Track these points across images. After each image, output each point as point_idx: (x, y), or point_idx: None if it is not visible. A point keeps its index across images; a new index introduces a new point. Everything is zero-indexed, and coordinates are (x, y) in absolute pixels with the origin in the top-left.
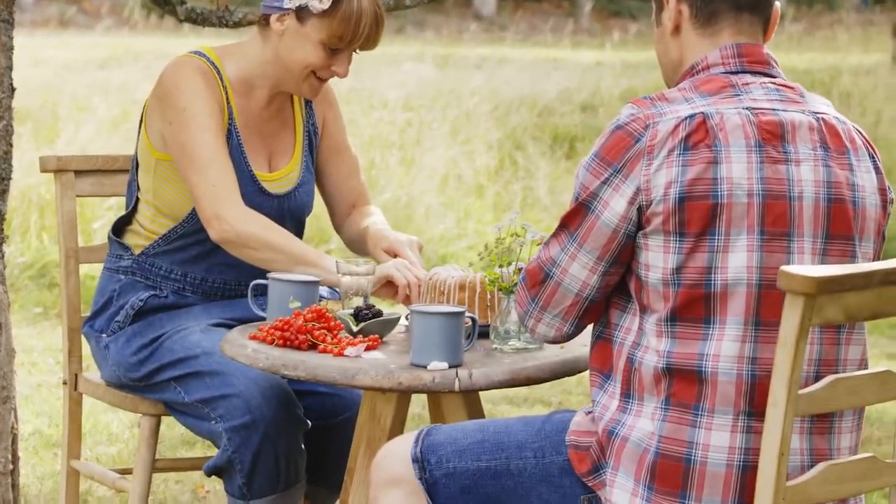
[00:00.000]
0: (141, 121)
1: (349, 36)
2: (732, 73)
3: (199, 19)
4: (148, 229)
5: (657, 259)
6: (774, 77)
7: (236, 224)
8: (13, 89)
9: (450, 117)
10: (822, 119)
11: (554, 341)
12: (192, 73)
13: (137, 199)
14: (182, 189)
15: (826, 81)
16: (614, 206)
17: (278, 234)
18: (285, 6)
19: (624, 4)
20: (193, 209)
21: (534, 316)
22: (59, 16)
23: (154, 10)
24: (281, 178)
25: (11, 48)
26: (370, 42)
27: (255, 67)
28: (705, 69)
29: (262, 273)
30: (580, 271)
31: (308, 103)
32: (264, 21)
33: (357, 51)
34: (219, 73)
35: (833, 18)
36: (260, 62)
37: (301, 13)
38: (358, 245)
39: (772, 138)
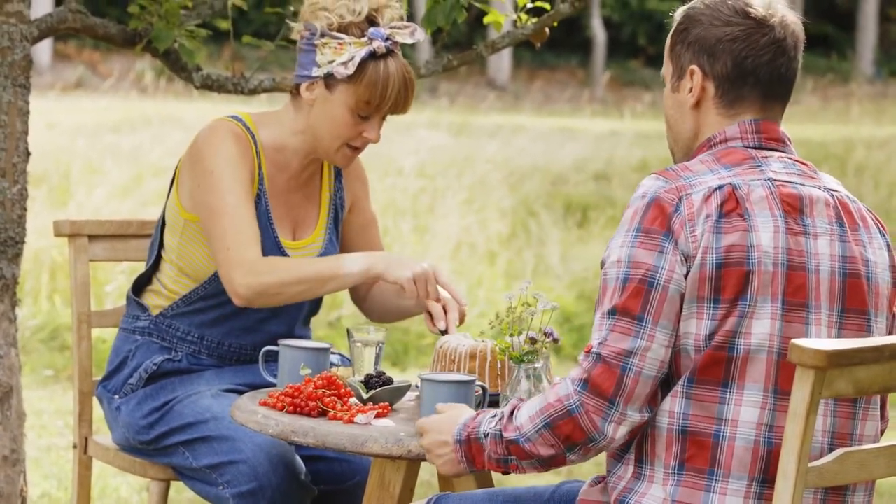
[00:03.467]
0: (173, 180)
1: (377, 100)
2: (750, 147)
3: (214, 86)
4: (169, 289)
5: (690, 326)
6: (788, 154)
7: (247, 282)
8: (28, 154)
9: (464, 185)
10: (837, 196)
11: (627, 439)
12: (225, 136)
13: (160, 257)
14: (207, 251)
15: (840, 154)
16: (677, 271)
17: (289, 270)
18: (314, 74)
19: (637, 75)
20: (215, 272)
21: (615, 419)
22: (74, 79)
23: (165, 75)
24: (304, 247)
25: (27, 113)
26: (399, 106)
27: (287, 136)
28: (723, 142)
29: (274, 343)
30: (658, 351)
31: (338, 177)
32: (296, 91)
33: (388, 116)
34: (253, 138)
35: (846, 91)
36: (292, 131)
37: (329, 81)
38: (391, 301)
39: (792, 211)
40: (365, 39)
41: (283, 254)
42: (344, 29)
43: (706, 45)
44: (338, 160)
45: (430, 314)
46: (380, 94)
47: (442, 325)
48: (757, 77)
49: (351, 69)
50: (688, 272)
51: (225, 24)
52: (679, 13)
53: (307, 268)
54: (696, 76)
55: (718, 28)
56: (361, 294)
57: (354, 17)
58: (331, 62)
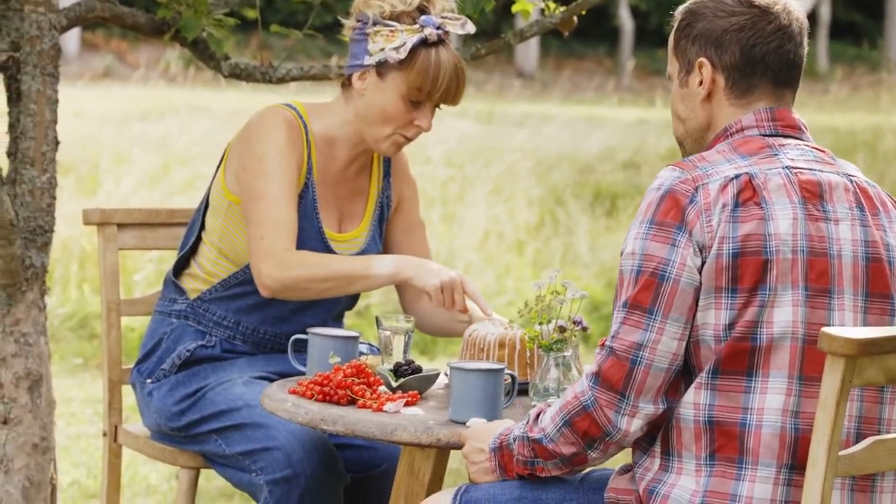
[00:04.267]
0: (220, 161)
1: (428, 87)
2: (767, 135)
3: (242, 75)
4: (207, 271)
5: (709, 316)
6: (805, 141)
7: (276, 275)
8: (57, 142)
9: (492, 174)
10: (856, 181)
11: (642, 431)
12: (277, 123)
13: (200, 238)
14: None
15: (869, 142)
16: (689, 264)
17: (318, 266)
18: (366, 63)
19: (665, 63)
20: None
21: (627, 412)
22: (102, 68)
23: (193, 64)
24: (347, 240)
25: (56, 101)
26: (450, 95)
27: (337, 127)
28: (739, 131)
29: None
30: (669, 344)
31: (387, 176)
32: (347, 82)
33: (441, 106)
34: (305, 127)
35: (875, 79)
36: (342, 122)
37: (381, 68)
38: (438, 316)
39: (812, 197)
40: (416, 27)
41: (326, 245)
42: (396, 18)
43: (712, 36)
44: (385, 149)
45: None
46: (431, 81)
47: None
48: (766, 65)
49: (403, 53)
50: (703, 263)
51: (253, 13)
52: (680, 10)
53: (336, 265)
54: (704, 69)
55: (723, 19)
56: (412, 305)
57: (406, 6)
58: (382, 49)
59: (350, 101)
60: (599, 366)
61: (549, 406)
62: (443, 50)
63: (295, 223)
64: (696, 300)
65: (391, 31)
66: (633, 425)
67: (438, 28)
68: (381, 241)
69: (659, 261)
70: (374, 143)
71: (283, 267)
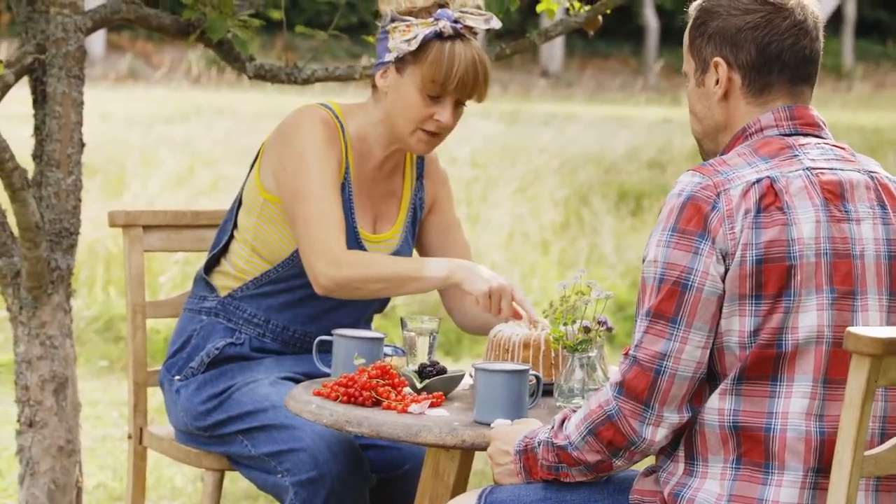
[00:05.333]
0: (255, 160)
1: (441, 79)
2: (786, 135)
3: (267, 76)
4: (239, 268)
5: (733, 323)
6: (825, 139)
7: (330, 274)
8: (83, 144)
9: (517, 173)
10: (877, 178)
11: (667, 440)
12: (315, 122)
13: (232, 237)
14: (285, 233)
15: (895, 140)
16: (712, 272)
17: (371, 266)
18: (385, 60)
19: None
20: (290, 255)
21: (652, 421)
22: (126, 70)
23: (216, 64)
24: (381, 241)
25: (82, 103)
26: (468, 89)
27: (368, 127)
28: (759, 132)
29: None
30: (693, 353)
31: (419, 178)
32: (375, 82)
33: (465, 102)
34: (342, 127)
35: None
36: (372, 122)
37: (399, 64)
38: (481, 315)
39: (833, 198)
40: (431, 20)
41: (360, 245)
42: (414, 14)
43: (727, 35)
44: (414, 146)
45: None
46: (444, 73)
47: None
48: (783, 62)
49: (413, 45)
50: (727, 270)
51: (278, 14)
52: (693, 8)
53: (390, 266)
54: (721, 68)
55: (738, 17)
56: (453, 304)
57: (424, 2)
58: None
59: (379, 102)
60: (623, 375)
61: (574, 412)
62: (459, 43)
63: (342, 219)
64: (720, 308)
65: (407, 27)
66: (657, 434)
67: (456, 22)
68: (414, 243)
69: (682, 269)
70: (403, 142)
71: (337, 266)
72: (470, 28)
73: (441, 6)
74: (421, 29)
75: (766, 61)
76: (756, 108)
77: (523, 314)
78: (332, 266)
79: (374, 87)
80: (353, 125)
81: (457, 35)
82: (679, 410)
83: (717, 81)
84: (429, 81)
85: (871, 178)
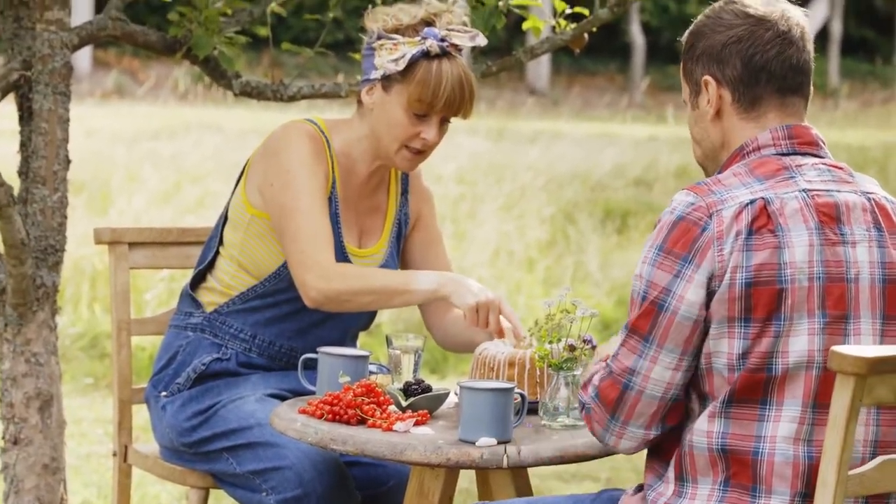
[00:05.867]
0: (240, 176)
1: (428, 98)
2: (784, 154)
3: (253, 93)
4: (226, 284)
5: (721, 345)
6: (823, 157)
7: (320, 286)
8: (69, 161)
9: (503, 191)
10: (874, 200)
11: (636, 451)
12: (302, 136)
13: (218, 253)
14: (272, 248)
15: (880, 159)
16: (690, 298)
17: (361, 279)
18: (372, 77)
19: (677, 80)
20: (277, 270)
21: (615, 433)
22: (113, 86)
23: (202, 81)
24: (367, 255)
25: (68, 120)
26: (455, 107)
27: (354, 142)
28: (756, 151)
29: (323, 346)
30: (663, 373)
31: (404, 193)
32: (360, 98)
33: (450, 120)
34: (328, 142)
35: (887, 95)
36: (358, 137)
37: (385, 82)
38: (464, 333)
39: (829, 220)
40: (418, 39)
41: (346, 259)
42: (402, 31)
43: (713, 52)
44: (399, 163)
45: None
46: (431, 93)
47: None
48: (769, 72)
49: (401, 65)
50: (712, 293)
51: (264, 31)
52: (686, 34)
53: (379, 279)
54: (710, 86)
55: (721, 33)
56: (434, 321)
57: (411, 19)
58: (385, 63)
59: (364, 117)
60: (601, 381)
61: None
62: (446, 62)
63: (331, 233)
64: (696, 333)
65: (394, 45)
66: (621, 445)
67: (443, 40)
68: (399, 257)
69: (661, 290)
70: (388, 158)
71: (326, 279)
72: (456, 46)
73: (427, 23)
74: (408, 48)
75: (752, 73)
76: (749, 124)
77: (510, 328)
78: (321, 279)
79: (360, 102)
80: (338, 140)
81: (443, 53)
82: (647, 427)
83: (709, 100)
84: (415, 101)
85: (869, 199)
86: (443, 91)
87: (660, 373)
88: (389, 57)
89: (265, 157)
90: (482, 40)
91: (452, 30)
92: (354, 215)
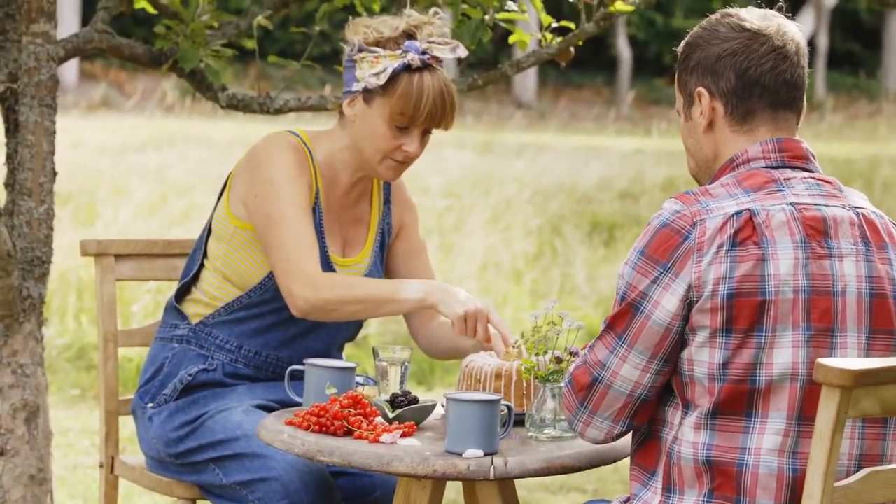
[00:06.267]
0: (223, 189)
1: (410, 111)
2: (773, 167)
3: (240, 106)
4: (211, 296)
5: (703, 354)
6: (812, 172)
7: (306, 296)
8: (55, 173)
9: (489, 203)
10: (862, 214)
11: (604, 442)
12: (284, 148)
13: (202, 265)
14: (256, 259)
15: (866, 172)
16: (665, 305)
17: (348, 288)
18: (353, 90)
19: (663, 93)
20: (262, 281)
21: (582, 420)
22: (99, 98)
23: (190, 93)
24: (350, 265)
25: (54, 132)
26: (436, 119)
27: (336, 153)
28: (745, 163)
29: (310, 357)
30: (631, 372)
31: (387, 203)
32: (342, 109)
33: (432, 130)
34: (310, 153)
35: (873, 109)
36: (340, 148)
37: (367, 95)
38: (449, 339)
39: (816, 234)
40: (399, 52)
41: (331, 269)
42: (383, 44)
43: (708, 64)
44: (382, 173)
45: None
46: (413, 106)
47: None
48: (763, 86)
49: (382, 79)
50: (691, 303)
51: (251, 44)
52: (681, 45)
53: (366, 288)
54: (703, 98)
55: (717, 46)
56: (419, 329)
57: (392, 31)
58: (367, 76)
59: (346, 128)
60: (575, 367)
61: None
62: (427, 75)
63: (316, 242)
64: (668, 339)
65: (375, 58)
66: (587, 433)
67: (424, 53)
68: (383, 267)
69: (638, 293)
70: (371, 169)
71: (313, 288)
72: (437, 58)
73: (409, 35)
74: (389, 62)
75: (746, 86)
76: (741, 137)
77: (497, 335)
78: (308, 288)
79: (341, 113)
80: (320, 152)
81: (425, 66)
82: (615, 421)
83: (702, 112)
84: (397, 114)
85: (857, 214)
86: (424, 104)
87: (628, 371)
88: (371, 70)
89: (248, 169)
90: (462, 52)
91: (433, 42)
92: (338, 225)
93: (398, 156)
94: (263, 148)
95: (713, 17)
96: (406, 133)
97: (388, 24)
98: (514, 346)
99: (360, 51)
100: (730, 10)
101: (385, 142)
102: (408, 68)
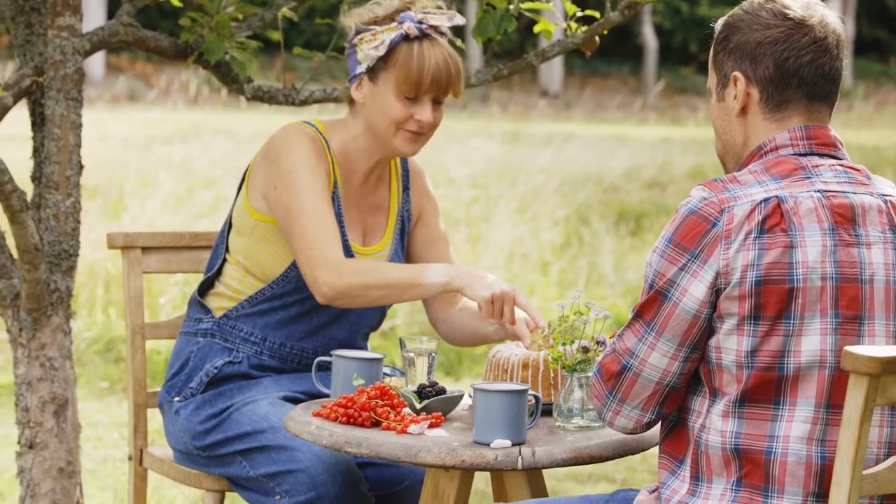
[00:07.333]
0: (241, 183)
1: (414, 78)
2: (801, 154)
3: (265, 98)
4: (234, 289)
5: (730, 342)
6: (840, 159)
7: (331, 282)
8: (81, 167)
9: (516, 193)
10: (890, 202)
11: (633, 432)
12: (301, 138)
13: (225, 260)
14: (278, 251)
15: (894, 159)
16: (693, 293)
17: (372, 273)
18: (358, 72)
19: (689, 81)
20: (285, 272)
21: (612, 409)
22: (126, 91)
23: (215, 85)
24: (371, 253)
25: (80, 126)
26: (443, 86)
27: (350, 141)
28: (773, 150)
29: (335, 349)
30: (660, 360)
31: (406, 190)
32: (351, 98)
33: (442, 100)
34: (327, 143)
35: None
36: (354, 136)
37: (372, 73)
38: (470, 325)
39: (844, 221)
40: (395, 24)
41: (351, 257)
42: (378, 22)
43: (747, 49)
44: (400, 147)
45: (517, 339)
46: (416, 73)
47: (527, 343)
48: (801, 78)
49: (382, 50)
50: (719, 290)
51: (276, 36)
52: (719, 23)
53: (390, 273)
54: (739, 82)
55: (758, 32)
56: (440, 315)
57: (386, 10)
58: (367, 54)
59: (358, 115)
60: (605, 356)
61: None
62: (427, 43)
63: (337, 230)
64: (696, 327)
65: (373, 35)
66: (616, 422)
67: (420, 23)
68: (404, 254)
69: (666, 280)
70: (388, 146)
71: (338, 274)
72: (435, 28)
73: (402, 12)
74: (387, 34)
75: (784, 76)
76: (773, 125)
77: (522, 320)
78: (333, 274)
79: (351, 102)
80: (336, 141)
81: (423, 35)
82: (644, 409)
83: (736, 96)
84: (403, 83)
85: (885, 201)
86: (427, 70)
87: (657, 359)
88: (370, 46)
89: (266, 161)
90: (460, 19)
91: (428, 12)
92: (357, 214)
93: (412, 126)
94: (280, 139)
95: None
96: (416, 103)
97: (381, 5)
98: (539, 330)
99: (358, 33)
100: None
101: (397, 113)
102: (406, 38)
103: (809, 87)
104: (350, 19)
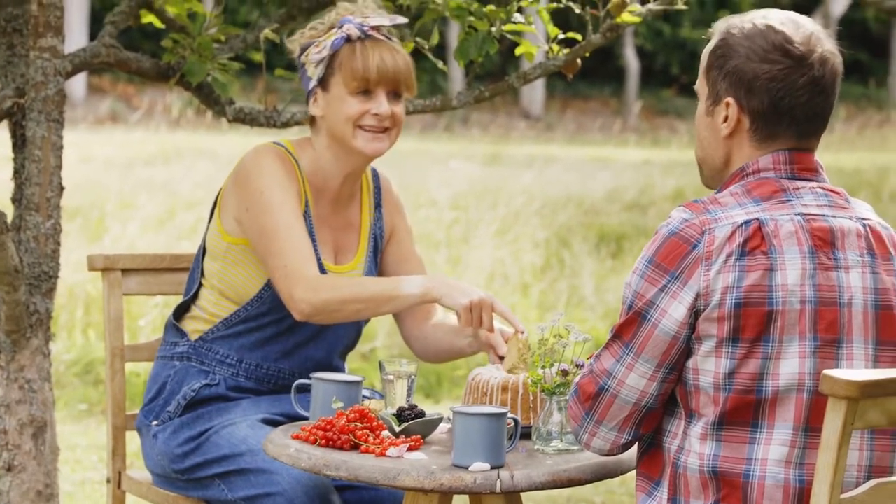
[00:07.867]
0: (214, 207)
1: (360, 71)
2: (783, 177)
3: (247, 119)
4: (209, 312)
5: (708, 363)
6: (821, 182)
7: (308, 298)
8: (62, 188)
9: (497, 215)
10: (869, 226)
11: (609, 454)
12: (272, 158)
13: (200, 285)
14: (251, 273)
15: (874, 182)
16: (672, 314)
17: (349, 288)
18: (311, 87)
19: (671, 104)
20: (259, 293)
21: (588, 430)
22: (108, 112)
23: (196, 107)
24: (344, 272)
25: (61, 147)
26: (391, 77)
27: (318, 158)
28: (755, 172)
29: (312, 368)
30: (638, 381)
31: (377, 208)
32: (311, 117)
33: (401, 95)
34: (297, 162)
35: (882, 118)
36: (320, 152)
37: (323, 84)
38: (444, 340)
39: (823, 245)
40: (335, 30)
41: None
42: (320, 36)
43: (744, 79)
44: (362, 146)
45: (491, 347)
46: (362, 66)
47: (503, 351)
48: (793, 116)
49: (326, 52)
50: (698, 311)
51: (258, 57)
52: (718, 31)
53: (367, 286)
54: (731, 108)
55: (757, 64)
56: (413, 332)
57: (326, 26)
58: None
59: (320, 129)
60: (582, 377)
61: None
62: (369, 42)
63: (311, 247)
64: (675, 348)
65: (317, 46)
66: (593, 444)
67: (361, 25)
68: (378, 272)
69: (645, 302)
70: (351, 150)
71: (314, 290)
72: (377, 28)
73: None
74: (329, 40)
75: (777, 113)
76: (759, 152)
77: (498, 332)
78: (309, 291)
79: (313, 120)
80: (305, 160)
81: (365, 36)
82: (619, 430)
83: (726, 119)
84: (351, 80)
85: (864, 225)
86: (372, 61)
87: (635, 380)
88: (315, 53)
89: (237, 184)
90: (401, 19)
91: (368, 16)
92: (329, 232)
93: (369, 120)
94: (250, 161)
95: (758, 21)
96: (371, 97)
97: (321, 21)
98: (517, 335)
99: (303, 51)
100: (774, 22)
101: (352, 109)
102: (349, 40)
103: (801, 124)
104: (294, 43)
